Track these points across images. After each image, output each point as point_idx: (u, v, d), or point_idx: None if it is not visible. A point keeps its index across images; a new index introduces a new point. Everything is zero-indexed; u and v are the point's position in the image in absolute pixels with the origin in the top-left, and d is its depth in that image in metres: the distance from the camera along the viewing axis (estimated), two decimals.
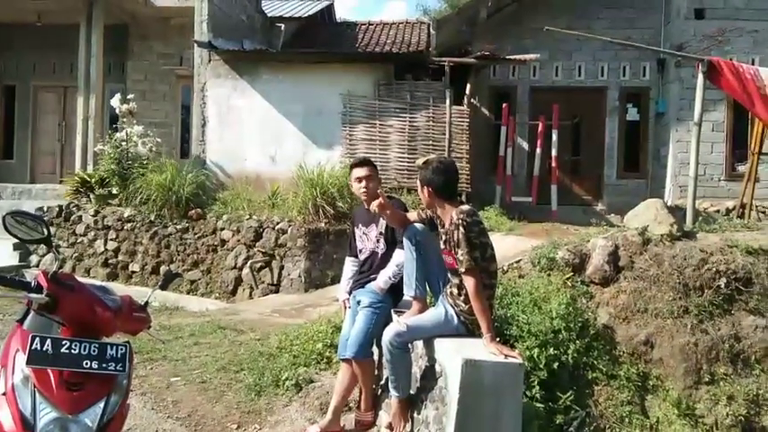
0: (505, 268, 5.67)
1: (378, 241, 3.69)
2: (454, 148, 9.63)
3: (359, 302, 3.59)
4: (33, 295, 1.89)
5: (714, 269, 4.47)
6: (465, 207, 3.01)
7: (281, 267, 7.73)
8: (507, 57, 10.07)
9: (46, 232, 2.08)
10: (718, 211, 9.61)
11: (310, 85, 9.82)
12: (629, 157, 11.37)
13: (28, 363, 1.79)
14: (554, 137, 10.07)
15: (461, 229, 2.87)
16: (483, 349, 2.82)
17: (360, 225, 3.78)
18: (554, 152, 10.09)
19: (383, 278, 3.55)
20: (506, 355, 2.75)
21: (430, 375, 2.98)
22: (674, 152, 10.57)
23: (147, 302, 2.25)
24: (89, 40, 10.98)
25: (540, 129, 10.11)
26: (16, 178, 12.04)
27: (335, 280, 7.59)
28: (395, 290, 3.57)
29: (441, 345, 2.98)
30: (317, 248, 7.61)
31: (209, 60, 10.16)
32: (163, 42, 11.87)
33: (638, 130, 11.38)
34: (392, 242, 3.61)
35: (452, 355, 2.75)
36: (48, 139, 12.67)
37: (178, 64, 11.77)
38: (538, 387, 3.69)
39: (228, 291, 7.93)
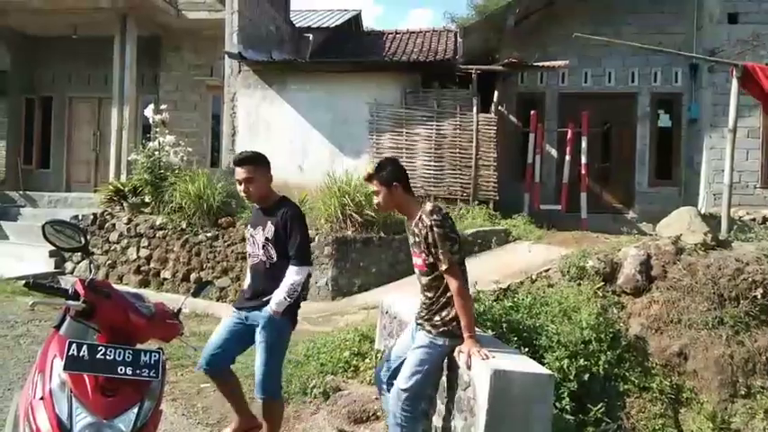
0: (534, 277, 5.63)
1: (264, 248, 3.19)
2: (481, 155, 9.59)
3: (246, 324, 3.19)
4: (71, 302, 1.94)
5: (750, 279, 4.36)
6: (429, 206, 2.96)
7: (309, 275, 7.77)
8: (536, 63, 10.00)
9: (83, 241, 2.14)
10: (753, 220, 9.36)
11: (338, 94, 9.90)
12: (661, 165, 11.16)
13: (65, 368, 1.84)
14: (583, 144, 9.95)
15: (436, 229, 2.82)
16: (513, 359, 2.79)
17: (249, 226, 3.38)
18: (584, 159, 9.96)
19: (277, 299, 3.08)
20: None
21: (458, 385, 2.96)
22: (708, 159, 10.34)
23: (179, 310, 2.30)
24: (123, 52, 11.27)
25: (569, 136, 10.00)
26: (52, 187, 12.40)
27: (363, 288, 7.61)
28: (292, 307, 3.20)
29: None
30: (345, 256, 7.64)
31: (239, 71, 10.33)
32: (194, 53, 12.12)
33: (671, 136, 11.16)
34: (284, 255, 3.15)
35: (481, 364, 2.73)
36: (83, 148, 13.02)
37: (209, 74, 11.99)
38: (568, 398, 3.65)
39: None
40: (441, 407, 3.18)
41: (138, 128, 11.49)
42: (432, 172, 9.75)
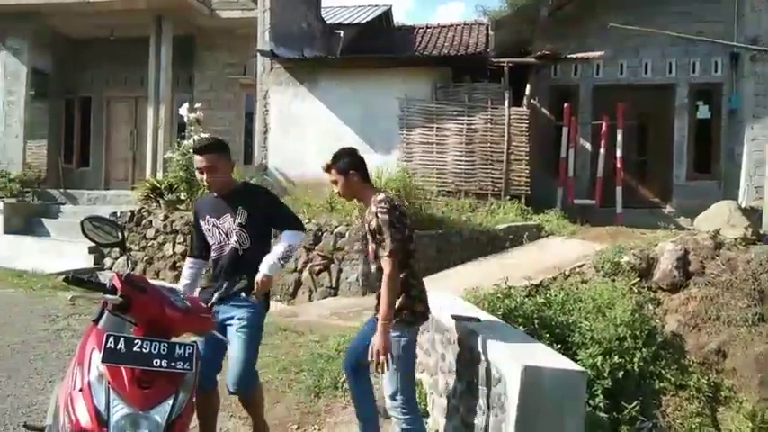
0: (567, 273, 5.56)
1: (237, 234, 3.00)
2: (513, 150, 9.49)
3: (226, 320, 2.91)
4: (109, 296, 2.00)
5: None
6: (381, 195, 2.97)
7: (340, 271, 7.83)
8: (569, 55, 9.84)
9: (120, 237, 2.19)
10: None
11: (368, 89, 9.92)
12: (699, 157, 10.85)
13: (103, 360, 1.89)
14: (618, 137, 9.75)
15: (380, 215, 2.83)
16: (545, 356, 2.76)
17: (207, 217, 3.09)
18: (619, 153, 9.76)
19: (270, 262, 2.93)
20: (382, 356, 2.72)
21: (488, 381, 2.94)
22: (749, 151, 10.01)
23: (212, 304, 2.33)
24: (158, 52, 11.52)
25: (603, 129, 9.82)
26: (92, 185, 12.77)
27: None
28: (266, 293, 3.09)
29: (499, 350, 2.94)
30: None
31: (272, 69, 10.43)
32: (228, 52, 12.29)
33: (710, 128, 10.84)
34: (258, 238, 3.03)
35: (511, 361, 2.71)
36: (120, 147, 13.37)
37: (242, 73, 12.14)
38: (602, 396, 3.60)
39: (289, 293, 8.08)
40: (471, 403, 3.17)
41: (174, 126, 11.73)
42: (462, 167, 9.69)
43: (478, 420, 3.02)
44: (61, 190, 12.09)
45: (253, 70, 11.28)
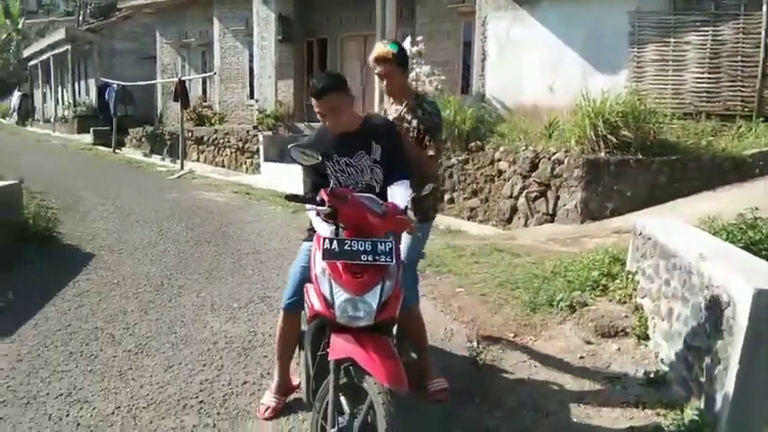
0: None
1: (372, 171, 2.81)
2: None
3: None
4: (320, 207, 2.44)
5: None
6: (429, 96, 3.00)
7: (557, 197, 7.74)
8: None
9: (319, 159, 2.57)
10: None
11: (593, 5, 9.25)
12: None
13: (323, 258, 2.38)
14: None
15: (435, 118, 3.17)
16: None
17: (336, 156, 2.83)
18: None
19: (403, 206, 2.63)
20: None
21: (716, 305, 2.83)
22: None
23: (406, 207, 2.65)
24: None
25: None
26: None
27: (615, 212, 7.32)
28: None
29: (730, 275, 2.79)
30: (596, 179, 7.39)
31: None
32: None
33: None
34: (387, 175, 2.81)
35: (743, 284, 2.58)
36: (352, 84, 14.41)
37: (461, 1, 12.15)
38: None
39: (504, 219, 8.29)
40: (695, 327, 3.08)
41: None
42: (704, 85, 8.63)
43: (703, 344, 2.95)
44: (306, 123, 13.75)
45: None
